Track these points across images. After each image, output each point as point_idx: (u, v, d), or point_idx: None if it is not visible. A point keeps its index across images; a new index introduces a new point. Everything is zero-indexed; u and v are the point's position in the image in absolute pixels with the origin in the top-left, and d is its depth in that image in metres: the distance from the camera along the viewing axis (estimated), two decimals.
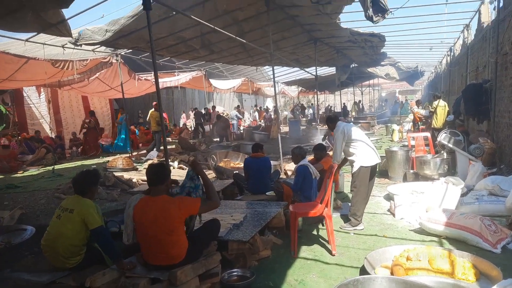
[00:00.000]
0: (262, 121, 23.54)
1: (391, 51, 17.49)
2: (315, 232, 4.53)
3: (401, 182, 6.96)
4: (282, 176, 6.96)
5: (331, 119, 4.96)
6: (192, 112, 21.27)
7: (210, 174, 8.61)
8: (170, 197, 3.05)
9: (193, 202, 3.10)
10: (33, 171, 10.00)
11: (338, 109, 34.33)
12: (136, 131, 17.66)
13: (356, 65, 19.58)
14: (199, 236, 3.21)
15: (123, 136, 13.00)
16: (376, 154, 4.69)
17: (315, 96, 36.94)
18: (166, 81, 13.88)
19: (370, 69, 20.95)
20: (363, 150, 4.62)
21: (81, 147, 12.73)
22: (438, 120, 9.91)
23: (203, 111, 20.42)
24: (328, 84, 24.33)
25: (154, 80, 12.95)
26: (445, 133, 6.68)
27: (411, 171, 6.99)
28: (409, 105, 15.82)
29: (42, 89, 12.88)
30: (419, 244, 3.73)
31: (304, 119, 25.61)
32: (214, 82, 16.85)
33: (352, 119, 21.57)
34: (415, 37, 13.73)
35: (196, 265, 2.99)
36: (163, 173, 3.10)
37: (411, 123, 16.67)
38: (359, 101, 27.03)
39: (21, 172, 9.78)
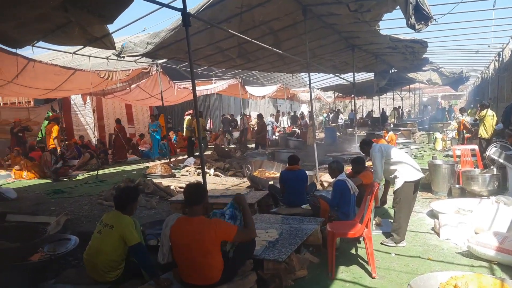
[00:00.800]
0: (296, 128, 23.34)
1: (433, 56, 16.76)
2: (353, 251, 4.37)
3: (445, 197, 6.60)
4: (318, 187, 6.81)
5: (366, 142, 4.89)
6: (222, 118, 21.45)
7: (245, 183, 8.63)
8: (207, 219, 3.04)
9: (229, 228, 3.05)
10: (79, 175, 10.51)
11: (376, 114, 33.50)
12: (174, 136, 18.14)
13: (395, 70, 18.97)
14: (234, 255, 3.18)
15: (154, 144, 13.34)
16: (418, 169, 4.48)
17: (352, 101, 36.21)
18: (203, 89, 14.14)
19: (410, 75, 20.22)
20: (405, 166, 4.43)
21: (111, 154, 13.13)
22: (487, 130, 9.32)
23: (228, 117, 20.62)
24: (365, 89, 23.75)
25: (191, 88, 13.24)
26: (495, 147, 6.25)
27: (457, 185, 6.60)
28: (454, 112, 15.01)
29: (88, 97, 13.54)
30: (467, 271, 3.48)
31: (333, 124, 25.08)
32: (249, 89, 16.97)
33: (391, 126, 20.88)
34: (460, 42, 13.08)
35: (232, 286, 2.96)
36: (200, 194, 3.09)
37: (455, 131, 15.87)
38: (399, 106, 26.11)
39: (68, 177, 10.29)
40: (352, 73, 14.50)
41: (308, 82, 26.41)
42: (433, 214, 5.58)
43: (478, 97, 22.97)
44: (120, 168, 11.43)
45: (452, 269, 3.80)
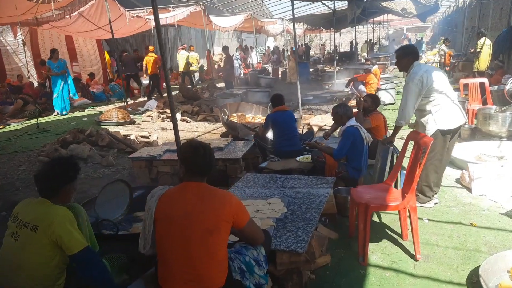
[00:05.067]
0: (268, 64, 21.77)
1: None
2: (375, 218, 3.44)
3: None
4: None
5: (407, 51, 3.50)
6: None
7: (219, 129, 7.42)
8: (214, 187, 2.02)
9: (245, 209, 2.03)
10: (15, 125, 8.74)
11: (343, 49, 32.36)
12: None
13: None
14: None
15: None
16: (461, 111, 3.46)
17: (319, 34, 34.49)
18: (161, 17, 12.02)
19: (385, 4, 18.92)
20: (445, 107, 3.38)
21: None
22: (482, 62, 8.50)
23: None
24: (337, 21, 22.24)
25: (147, 17, 11.15)
26: None
27: (466, 125, 5.79)
28: (439, 44, 14.12)
29: (18, 29, 11.11)
30: None
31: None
32: (214, 18, 14.94)
33: (363, 60, 19.90)
34: None
35: None
36: (211, 159, 2.07)
37: (437, 64, 15.15)
38: (370, 40, 24.95)
39: (1, 126, 8.51)
40: (330, 1, 12.99)
41: (276, 13, 24.15)
42: (450, 162, 4.75)
43: (451, 28, 22.23)
44: (68, 115, 9.69)
45: (508, 238, 2.99)
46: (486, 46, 8.42)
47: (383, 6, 19.30)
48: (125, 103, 9.89)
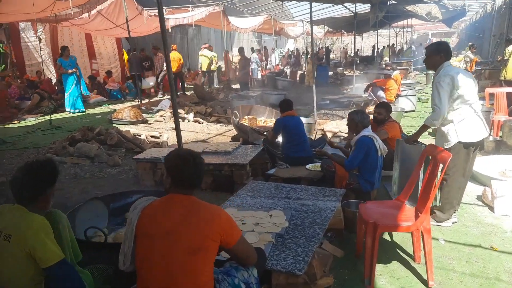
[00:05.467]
0: (287, 66, 21.51)
1: None
2: (386, 236, 3.19)
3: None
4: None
5: (441, 48, 3.20)
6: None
7: (231, 131, 7.26)
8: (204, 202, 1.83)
9: (236, 226, 1.84)
10: (30, 120, 8.82)
11: (363, 53, 31.79)
12: None
13: (394, 2, 17.12)
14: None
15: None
16: (484, 123, 3.18)
17: (340, 37, 33.97)
18: (179, 17, 12.03)
19: (409, 7, 18.41)
20: (468, 118, 3.11)
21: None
22: (510, 70, 8.04)
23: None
24: (358, 24, 21.81)
25: (165, 16, 11.10)
26: None
27: (491, 137, 5.44)
28: (465, 50, 13.58)
29: (39, 26, 11.28)
30: None
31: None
32: (233, 19, 14.84)
33: (384, 65, 19.43)
34: None
35: None
36: (198, 170, 1.84)
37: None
38: (393, 44, 24.37)
39: (16, 122, 8.60)
40: (351, 3, 12.69)
41: (296, 14, 23.89)
42: (472, 177, 4.44)
43: (478, 34, 21.46)
44: (83, 113, 9.74)
45: None
46: None
47: (407, 10, 18.79)
48: (139, 102, 9.86)
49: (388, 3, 16.86)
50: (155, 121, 8.34)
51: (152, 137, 6.84)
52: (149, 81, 12.15)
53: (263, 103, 9.20)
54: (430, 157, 2.61)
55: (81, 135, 5.93)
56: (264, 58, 23.46)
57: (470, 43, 13.00)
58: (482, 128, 3.15)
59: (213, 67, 14.68)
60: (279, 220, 2.72)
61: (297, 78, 16.98)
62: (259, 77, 17.36)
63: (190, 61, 22.02)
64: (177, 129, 3.57)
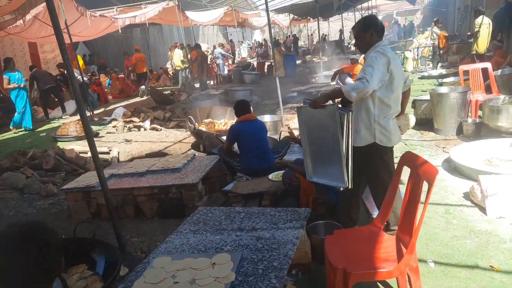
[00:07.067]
0: (254, 58, 20.82)
1: None
2: None
3: (454, 136, 4.99)
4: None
5: (369, 22, 2.59)
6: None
7: (192, 138, 6.55)
8: None
9: None
10: None
11: (334, 37, 31.43)
12: (108, 80, 15.15)
13: None
14: None
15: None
16: (398, 130, 2.67)
17: (307, 24, 33.51)
18: (129, 16, 11.08)
19: None
20: (390, 118, 2.56)
21: None
22: (481, 43, 7.65)
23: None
24: (322, 9, 21.32)
25: (113, 16, 10.15)
26: None
27: (470, 120, 4.96)
28: (431, 26, 13.24)
29: None
30: None
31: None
32: (190, 14, 13.96)
33: (353, 48, 19.02)
34: None
35: None
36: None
37: (423, 49, 14.30)
38: None
39: None
40: None
41: (260, 3, 23.09)
42: (454, 168, 3.93)
43: (443, 8, 21.34)
44: (26, 131, 8.75)
45: None
46: (484, 25, 7.56)
47: None
48: (91, 113, 8.96)
49: None
50: (107, 133, 7.52)
51: (101, 153, 6.05)
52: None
53: (227, 102, 8.53)
54: (410, 169, 2.01)
55: (11, 161, 5.11)
56: (231, 52, 22.70)
57: (435, 19, 12.62)
58: (396, 132, 2.63)
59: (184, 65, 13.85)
60: (224, 271, 2.06)
61: (265, 70, 16.34)
62: (226, 72, 16.62)
63: (152, 61, 21.00)
64: (91, 146, 2.86)
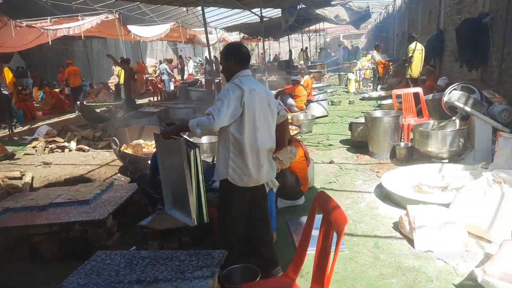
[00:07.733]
0: (203, 75, 20.52)
1: None
2: None
3: (387, 160, 4.96)
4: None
5: (229, 50, 2.43)
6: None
7: (116, 161, 5.99)
8: None
9: None
10: None
11: (285, 57, 32.12)
12: (41, 94, 13.99)
13: (303, 6, 17.13)
14: None
15: None
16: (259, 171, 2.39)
17: (259, 43, 34.12)
18: (62, 27, 10.32)
19: (318, 11, 18.67)
20: (247, 154, 2.33)
21: None
22: (415, 67, 7.95)
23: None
24: (273, 30, 21.70)
25: (43, 27, 9.40)
26: (455, 89, 4.62)
27: (402, 144, 4.97)
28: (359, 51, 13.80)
29: None
30: None
31: None
32: (133, 28, 13.41)
33: (299, 69, 19.44)
34: None
35: None
36: None
37: (364, 71, 14.86)
38: (306, 48, 24.70)
39: None
40: (258, 9, 12.12)
41: (210, 20, 22.95)
42: (386, 196, 3.82)
43: (383, 34, 22.60)
44: None
45: None
46: (417, 51, 7.89)
47: (317, 14, 19.05)
48: (10, 131, 8.04)
49: (298, 7, 16.85)
50: (24, 154, 6.71)
51: (11, 178, 5.33)
52: None
53: (168, 120, 8.07)
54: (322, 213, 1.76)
55: None
56: (181, 68, 22.21)
57: (376, 43, 13.20)
58: (255, 173, 2.36)
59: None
60: None
61: (213, 87, 16.05)
62: (172, 88, 16.11)
63: (95, 76, 19.91)
64: None
